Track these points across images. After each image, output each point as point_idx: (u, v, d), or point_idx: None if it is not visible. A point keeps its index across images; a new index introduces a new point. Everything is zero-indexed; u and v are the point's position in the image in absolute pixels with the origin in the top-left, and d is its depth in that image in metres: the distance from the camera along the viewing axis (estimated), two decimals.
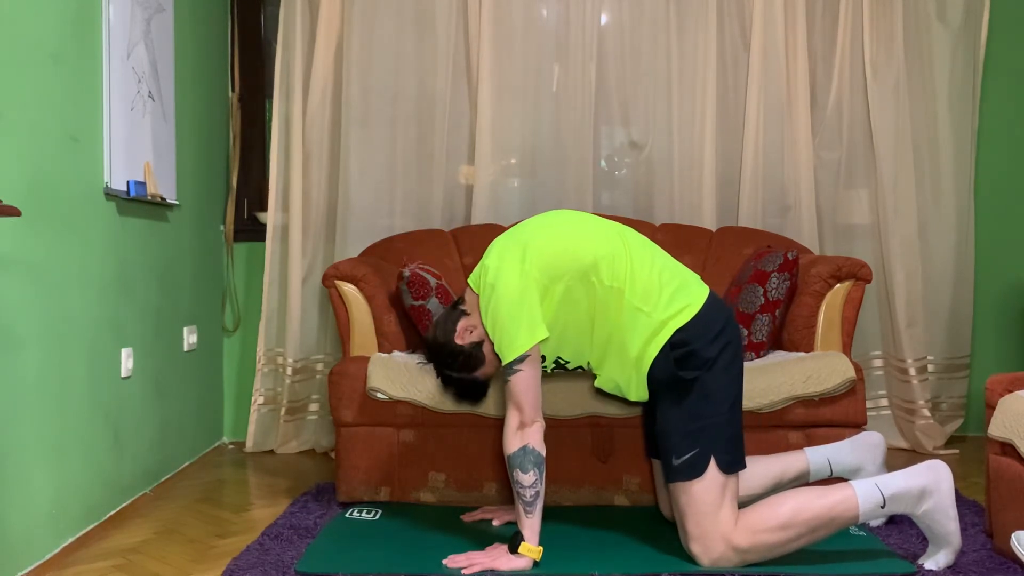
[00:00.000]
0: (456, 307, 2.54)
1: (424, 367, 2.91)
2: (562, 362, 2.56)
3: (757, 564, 2.32)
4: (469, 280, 2.53)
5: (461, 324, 2.49)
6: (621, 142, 4.01)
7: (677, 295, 2.39)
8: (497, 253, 2.43)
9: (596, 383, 2.56)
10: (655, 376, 2.39)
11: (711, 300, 2.43)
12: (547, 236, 2.43)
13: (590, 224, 2.48)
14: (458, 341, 2.49)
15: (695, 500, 2.32)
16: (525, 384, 2.34)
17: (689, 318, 2.36)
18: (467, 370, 2.55)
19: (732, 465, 2.36)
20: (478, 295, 2.47)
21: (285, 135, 3.92)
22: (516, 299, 2.33)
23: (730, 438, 2.37)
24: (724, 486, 2.33)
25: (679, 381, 2.36)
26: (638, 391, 2.45)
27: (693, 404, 2.36)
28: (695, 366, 2.35)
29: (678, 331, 2.35)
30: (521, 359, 2.33)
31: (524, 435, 2.34)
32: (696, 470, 2.32)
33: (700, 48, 3.89)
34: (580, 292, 2.39)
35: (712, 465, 2.32)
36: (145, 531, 2.80)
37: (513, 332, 2.33)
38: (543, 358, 2.50)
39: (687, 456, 2.33)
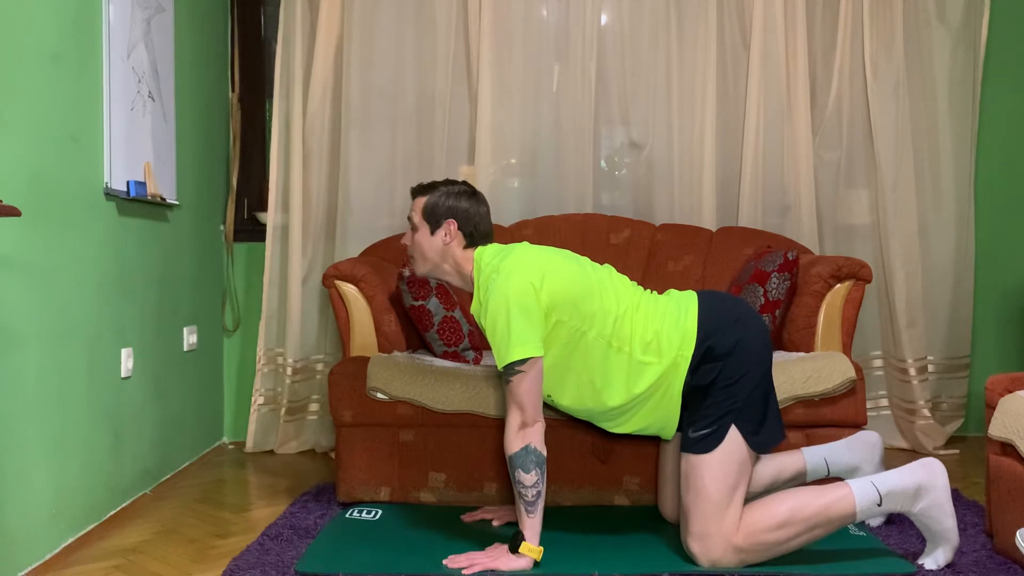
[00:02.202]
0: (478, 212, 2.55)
1: (419, 361, 2.95)
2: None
3: (755, 564, 2.33)
4: (476, 250, 2.53)
5: (454, 229, 2.50)
6: (621, 142, 4.01)
7: (673, 331, 2.40)
8: (524, 255, 2.42)
9: (618, 430, 2.54)
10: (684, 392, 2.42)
11: (703, 306, 2.44)
12: (565, 273, 2.41)
13: (608, 282, 2.47)
14: (442, 233, 2.52)
15: (705, 489, 2.31)
16: (527, 385, 2.34)
17: (694, 341, 2.38)
18: (437, 206, 2.53)
19: (758, 442, 2.36)
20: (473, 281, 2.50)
21: (285, 135, 3.92)
22: (529, 306, 2.33)
23: (755, 416, 2.37)
24: (738, 473, 2.33)
25: (704, 381, 2.38)
26: (675, 420, 2.46)
27: (718, 392, 2.37)
28: (715, 358, 2.37)
29: (693, 354, 2.37)
30: (524, 360, 2.33)
31: (526, 435, 2.33)
32: (713, 442, 2.34)
33: (700, 48, 3.89)
34: (566, 332, 2.38)
35: (731, 436, 2.33)
36: (145, 531, 2.80)
37: (524, 334, 2.32)
38: None
39: (706, 430, 2.35)
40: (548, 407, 2.60)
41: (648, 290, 2.56)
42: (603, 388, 2.42)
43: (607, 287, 2.44)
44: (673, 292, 2.54)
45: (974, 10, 3.96)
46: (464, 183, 2.61)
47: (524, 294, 2.33)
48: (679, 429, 2.48)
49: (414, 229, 2.57)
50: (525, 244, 2.51)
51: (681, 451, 2.42)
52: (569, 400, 2.50)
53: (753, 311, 2.50)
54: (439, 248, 2.54)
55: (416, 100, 3.91)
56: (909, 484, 2.30)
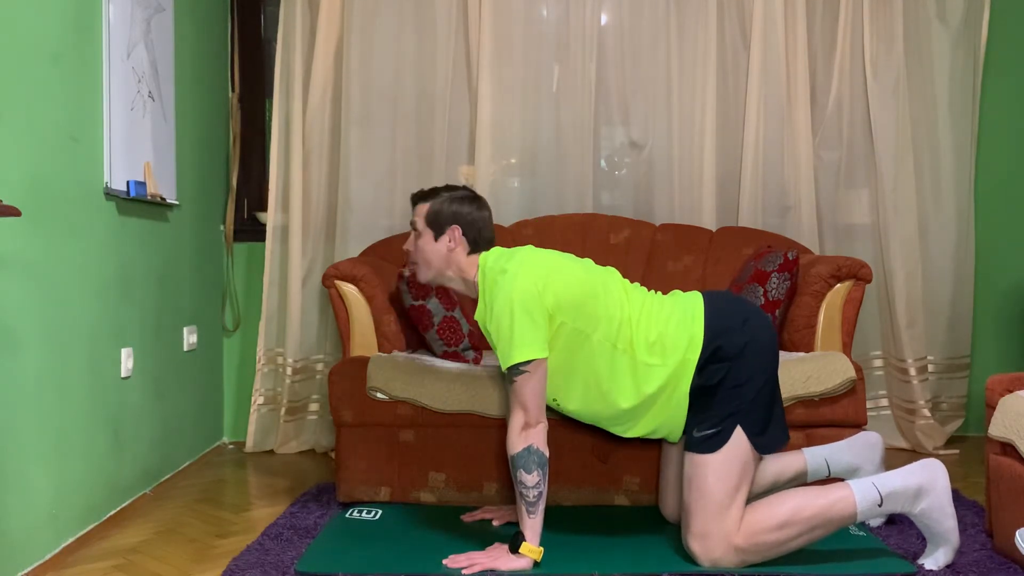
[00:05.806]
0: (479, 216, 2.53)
1: (419, 361, 2.95)
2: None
3: (756, 564, 2.33)
4: (480, 255, 2.52)
5: (458, 235, 2.49)
6: (621, 142, 4.01)
7: (679, 333, 2.39)
8: (528, 258, 2.42)
9: (627, 434, 2.52)
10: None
11: (709, 307, 2.43)
12: (570, 276, 2.41)
13: (613, 285, 2.46)
14: (446, 239, 2.50)
15: (708, 488, 2.31)
16: (532, 386, 2.34)
17: (701, 343, 2.37)
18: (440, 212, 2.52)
19: (762, 443, 2.36)
20: (476, 283, 2.48)
21: (285, 135, 3.92)
22: (533, 307, 2.33)
23: (760, 418, 2.37)
24: (741, 474, 2.32)
25: (711, 381, 2.37)
26: (683, 422, 2.44)
27: (725, 393, 2.36)
28: (723, 358, 2.36)
29: (700, 355, 2.36)
30: (529, 361, 2.33)
31: (528, 436, 2.34)
32: (718, 442, 2.33)
33: (700, 48, 3.89)
34: (570, 334, 2.38)
35: (736, 437, 2.33)
36: (145, 531, 2.80)
37: (529, 335, 2.32)
38: None
39: (711, 430, 2.35)
40: (553, 411, 2.60)
41: (652, 291, 2.55)
42: (611, 390, 2.41)
43: (611, 290, 2.44)
44: (678, 293, 2.53)
45: (974, 10, 3.96)
46: (465, 188, 2.60)
47: (528, 295, 2.32)
48: (684, 431, 2.48)
49: (417, 235, 2.56)
50: (529, 247, 2.50)
51: (685, 450, 2.41)
52: (576, 404, 2.49)
53: (760, 311, 2.49)
54: (443, 254, 2.53)
55: (416, 100, 3.91)
56: (910, 485, 2.30)
